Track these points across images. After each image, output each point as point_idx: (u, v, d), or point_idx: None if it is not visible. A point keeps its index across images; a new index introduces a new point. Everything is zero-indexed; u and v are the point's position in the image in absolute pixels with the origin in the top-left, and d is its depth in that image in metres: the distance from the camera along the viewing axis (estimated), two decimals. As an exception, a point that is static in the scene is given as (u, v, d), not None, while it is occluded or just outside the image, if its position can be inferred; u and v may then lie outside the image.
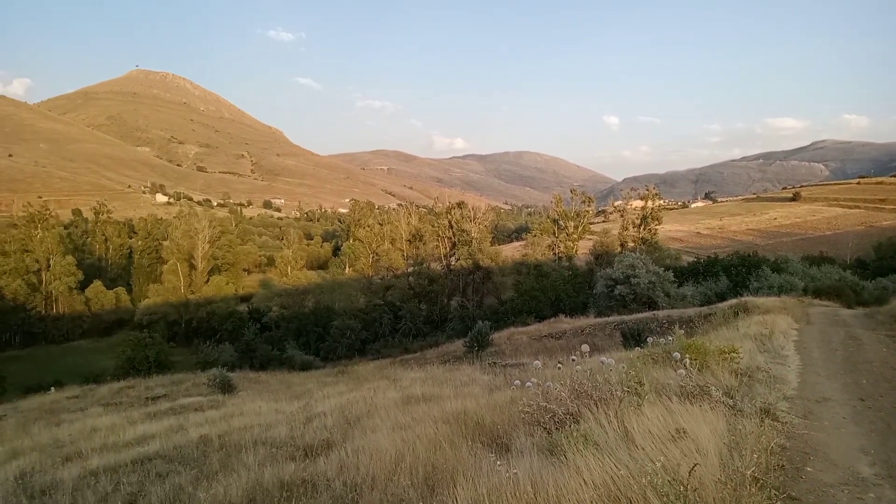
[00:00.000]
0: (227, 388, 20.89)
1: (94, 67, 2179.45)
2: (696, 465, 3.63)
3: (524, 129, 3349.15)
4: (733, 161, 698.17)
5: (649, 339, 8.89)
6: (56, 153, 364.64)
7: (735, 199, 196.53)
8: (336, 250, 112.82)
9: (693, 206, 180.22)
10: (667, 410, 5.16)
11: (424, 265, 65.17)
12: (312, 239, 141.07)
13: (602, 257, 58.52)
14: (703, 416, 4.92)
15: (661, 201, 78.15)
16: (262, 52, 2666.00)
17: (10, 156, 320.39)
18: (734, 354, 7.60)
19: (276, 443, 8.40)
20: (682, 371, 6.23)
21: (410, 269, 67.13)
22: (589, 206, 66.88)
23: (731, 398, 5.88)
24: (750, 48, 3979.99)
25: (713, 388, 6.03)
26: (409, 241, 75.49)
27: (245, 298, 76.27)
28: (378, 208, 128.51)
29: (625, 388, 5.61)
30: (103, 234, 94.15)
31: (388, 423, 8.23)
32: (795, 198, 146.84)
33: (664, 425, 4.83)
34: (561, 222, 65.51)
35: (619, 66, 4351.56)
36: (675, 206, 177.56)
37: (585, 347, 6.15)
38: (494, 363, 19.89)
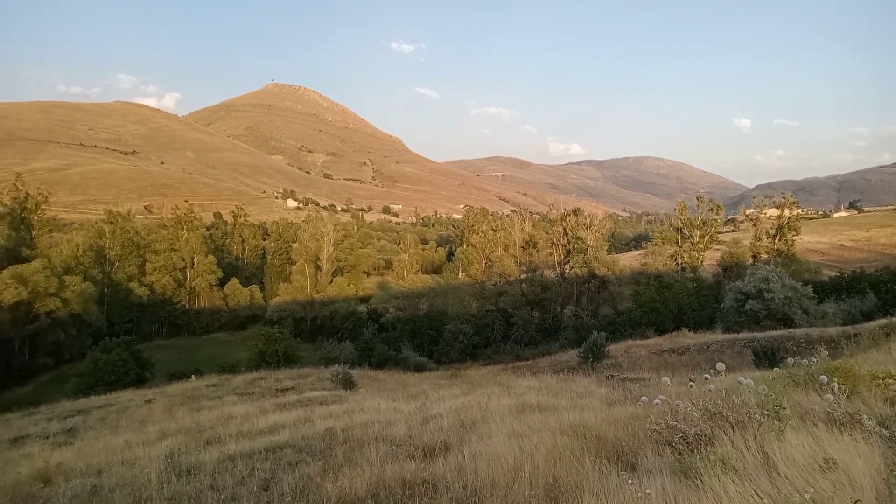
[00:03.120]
0: (348, 384, 21.81)
1: (235, 82, 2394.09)
2: (857, 501, 3.29)
3: (646, 133, 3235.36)
4: (882, 167, 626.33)
5: (789, 360, 8.20)
6: (201, 161, 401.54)
7: (884, 208, 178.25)
8: (450, 255, 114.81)
9: (835, 215, 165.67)
10: (812, 438, 4.78)
11: (538, 272, 64.54)
12: (427, 244, 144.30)
13: (731, 269, 55.13)
14: (854, 447, 4.48)
15: (799, 210, 72.06)
16: (384, 63, 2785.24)
17: (162, 163, 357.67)
18: (889, 380, 6.83)
19: (395, 441, 8.60)
20: (830, 396, 5.71)
21: (523, 276, 66.73)
22: (717, 214, 62.96)
23: (887, 429, 5.29)
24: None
25: (865, 416, 5.47)
26: (522, 247, 75.14)
27: (364, 299, 79.26)
28: (491, 214, 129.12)
29: (764, 412, 5.23)
30: (240, 236, 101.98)
31: (503, 429, 8.18)
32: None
33: (810, 454, 4.47)
34: (685, 231, 62.25)
35: (752, 66, 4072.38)
36: (815, 216, 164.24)
37: (721, 366, 5.78)
38: (612, 376, 19.23)
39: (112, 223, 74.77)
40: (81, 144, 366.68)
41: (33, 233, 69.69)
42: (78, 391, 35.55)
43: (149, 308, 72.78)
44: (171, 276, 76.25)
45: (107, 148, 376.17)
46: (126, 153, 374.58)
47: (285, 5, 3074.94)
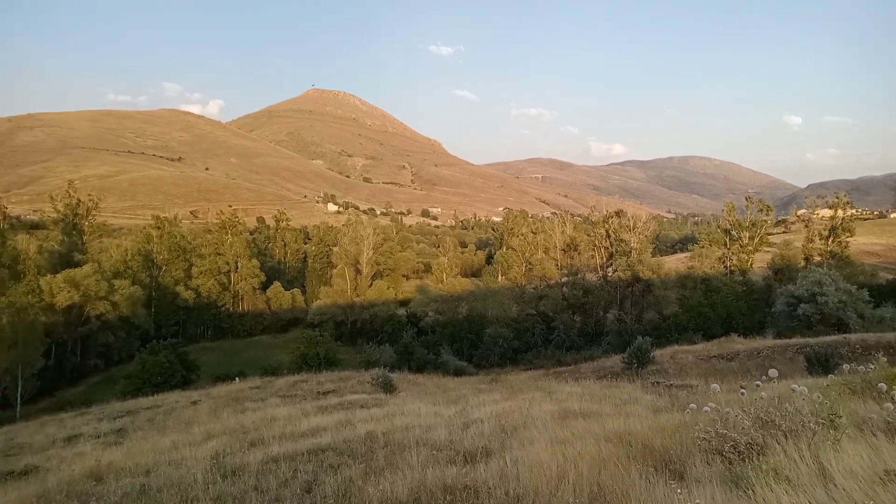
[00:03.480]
0: (388, 387, 21.90)
1: (276, 88, 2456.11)
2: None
3: (691, 131, 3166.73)
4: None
5: (844, 366, 7.90)
6: (244, 166, 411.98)
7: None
8: (489, 258, 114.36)
9: (892, 215, 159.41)
10: (871, 448, 4.61)
11: (579, 275, 63.76)
12: (466, 247, 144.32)
13: (782, 272, 53.60)
14: (919, 459, 4.28)
15: (854, 210, 69.39)
16: (423, 66, 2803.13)
17: (207, 169, 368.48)
18: (956, 389, 6.49)
19: (436, 445, 8.57)
20: (890, 405, 5.46)
21: (564, 279, 66.09)
22: (767, 215, 61.15)
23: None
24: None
25: (928, 426, 5.22)
26: (563, 250, 74.47)
27: (404, 303, 79.68)
28: (531, 217, 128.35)
29: (819, 420, 5.03)
30: (282, 240, 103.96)
31: (545, 436, 8.09)
32: None
33: (869, 465, 4.31)
34: (734, 233, 60.69)
35: (802, 61, 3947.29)
36: (871, 216, 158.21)
37: (773, 372, 5.60)
38: (657, 383, 18.83)
39: (159, 228, 77.06)
40: (130, 152, 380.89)
41: (84, 238, 72.62)
42: (126, 392, 36.84)
43: (194, 311, 74.68)
44: (215, 279, 78.00)
45: (154, 155, 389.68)
46: (172, 160, 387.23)
47: (324, 12, 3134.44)
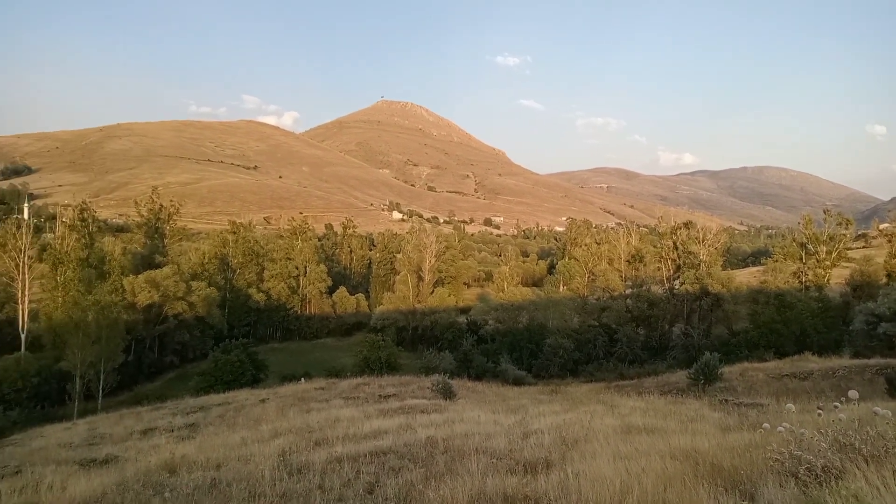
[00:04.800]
0: (448, 394, 21.97)
1: (347, 100, 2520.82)
2: None
3: (766, 141, 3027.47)
4: None
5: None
6: (315, 175, 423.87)
7: None
8: (551, 268, 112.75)
9: None
10: (964, 479, 4.25)
11: (644, 287, 62.02)
12: (528, 256, 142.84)
13: (861, 289, 50.59)
14: None
15: (946, 225, 64.64)
16: (489, 77, 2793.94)
17: (280, 177, 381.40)
18: None
19: (495, 454, 8.54)
20: (985, 433, 5.07)
21: (628, 291, 64.39)
22: (846, 228, 57.78)
23: None
24: None
25: None
26: (627, 261, 72.65)
27: (464, 310, 79.49)
28: (595, 227, 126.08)
29: (904, 446, 4.73)
30: (349, 247, 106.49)
31: (607, 450, 7.92)
32: None
33: (962, 497, 3.98)
34: (810, 246, 57.61)
35: (888, 66, 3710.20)
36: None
37: (854, 393, 5.31)
38: (726, 400, 18.10)
39: (235, 233, 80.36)
40: (209, 160, 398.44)
41: (165, 241, 76.27)
42: (199, 389, 38.45)
43: (265, 313, 76.90)
44: (285, 283, 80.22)
45: (231, 163, 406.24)
46: (249, 168, 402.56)
47: (394, 26, 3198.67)
